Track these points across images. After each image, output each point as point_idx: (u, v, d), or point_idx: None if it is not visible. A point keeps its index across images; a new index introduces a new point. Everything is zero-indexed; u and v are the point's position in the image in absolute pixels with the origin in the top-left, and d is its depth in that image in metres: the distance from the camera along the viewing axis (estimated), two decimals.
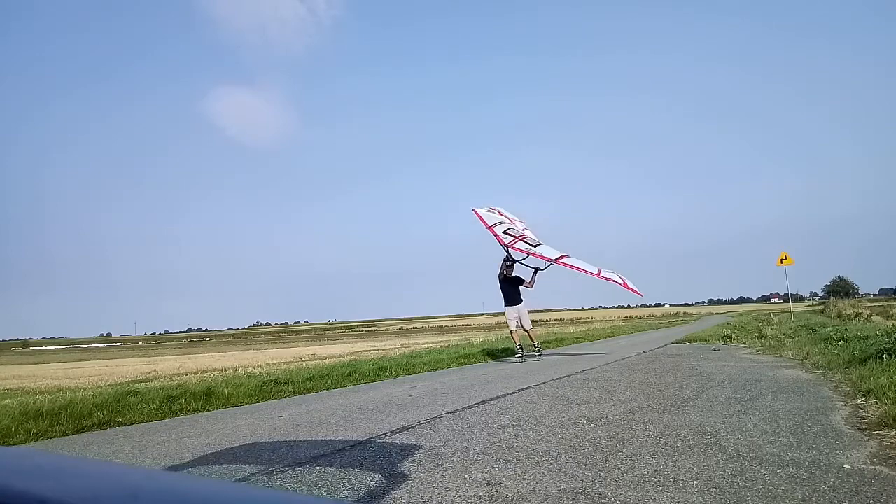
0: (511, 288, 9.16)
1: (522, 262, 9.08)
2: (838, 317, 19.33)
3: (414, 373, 7.93)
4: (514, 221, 10.16)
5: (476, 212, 9.63)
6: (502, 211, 10.35)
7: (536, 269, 9.05)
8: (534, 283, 9.12)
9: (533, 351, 9.22)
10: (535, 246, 9.10)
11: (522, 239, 9.22)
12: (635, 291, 9.74)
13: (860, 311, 20.49)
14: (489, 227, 9.22)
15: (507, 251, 8.99)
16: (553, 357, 9.53)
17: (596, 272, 9.01)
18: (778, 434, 3.04)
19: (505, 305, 9.18)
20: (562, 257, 8.96)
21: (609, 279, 9.11)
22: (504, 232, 9.20)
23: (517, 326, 9.07)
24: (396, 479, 2.49)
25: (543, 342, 13.60)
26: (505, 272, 9.12)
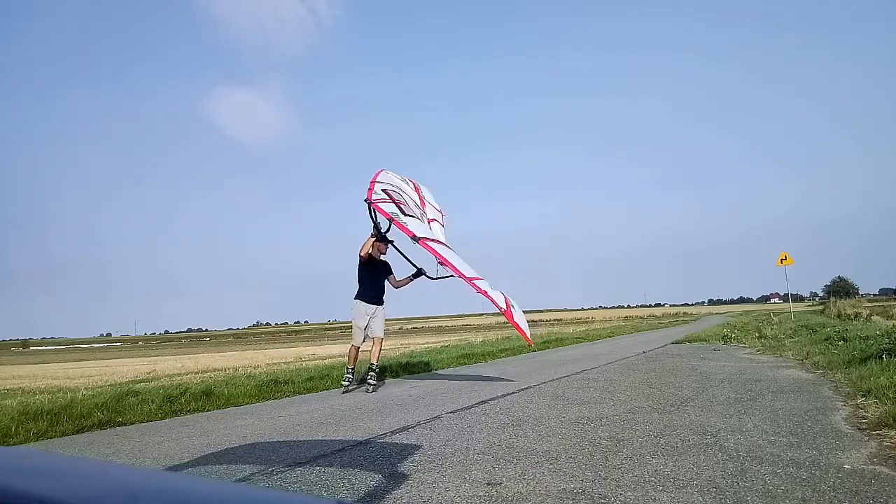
0: (374, 276, 6.05)
1: (382, 233, 5.98)
2: (838, 317, 19.32)
3: (414, 373, 7.93)
4: (423, 204, 6.94)
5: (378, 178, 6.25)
6: (425, 195, 7.17)
7: (420, 273, 6.17)
8: (403, 285, 6.20)
9: (369, 374, 5.94)
10: (406, 216, 6.00)
11: (399, 204, 6.07)
12: (524, 335, 6.47)
13: (860, 311, 20.49)
14: (371, 181, 6.05)
15: (370, 208, 5.80)
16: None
17: (469, 277, 5.88)
18: (778, 434, 3.04)
19: (356, 298, 6.01)
20: (432, 240, 6.04)
21: (487, 295, 5.96)
22: (383, 190, 6.08)
23: (364, 339, 5.98)
24: (396, 479, 2.49)
25: (545, 342, 13.61)
26: (371, 250, 5.95)
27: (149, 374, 12.34)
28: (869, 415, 3.39)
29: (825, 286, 75.53)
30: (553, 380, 6.04)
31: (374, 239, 5.94)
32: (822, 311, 28.27)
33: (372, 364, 5.95)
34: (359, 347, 6.01)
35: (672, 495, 2.12)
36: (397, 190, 6.40)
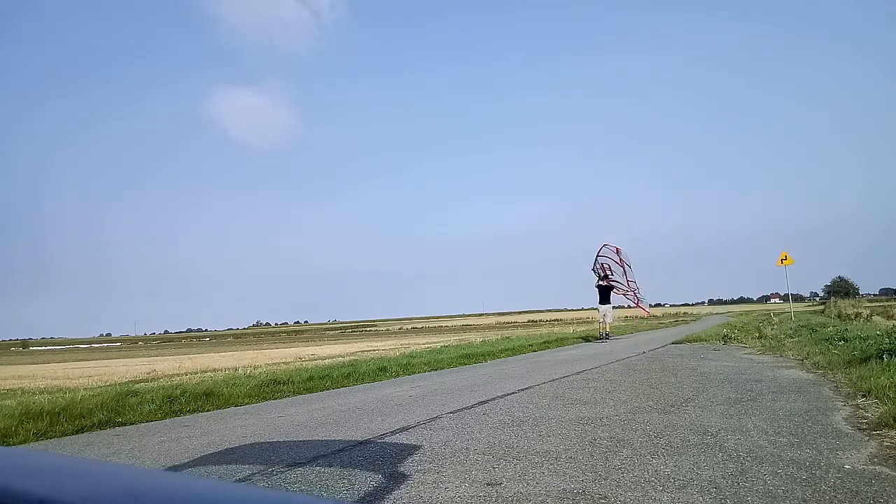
0: (605, 291, 14.69)
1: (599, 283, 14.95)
2: (838, 317, 19.31)
3: (414, 373, 7.93)
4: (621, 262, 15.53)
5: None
6: (624, 257, 15.50)
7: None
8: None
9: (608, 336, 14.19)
10: (608, 278, 15.22)
11: (606, 270, 15.18)
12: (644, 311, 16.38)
13: (860, 311, 20.49)
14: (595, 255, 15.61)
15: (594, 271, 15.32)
16: None
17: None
18: (778, 434, 3.04)
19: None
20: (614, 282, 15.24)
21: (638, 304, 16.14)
22: (599, 266, 15.28)
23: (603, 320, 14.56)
24: (396, 479, 2.49)
25: (545, 342, 13.61)
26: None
27: (148, 374, 12.32)
28: (869, 415, 3.39)
29: (825, 286, 75.37)
30: (553, 380, 6.04)
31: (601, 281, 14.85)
32: (822, 311, 28.25)
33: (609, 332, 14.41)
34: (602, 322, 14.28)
35: (672, 495, 2.12)
36: (607, 263, 15.22)
